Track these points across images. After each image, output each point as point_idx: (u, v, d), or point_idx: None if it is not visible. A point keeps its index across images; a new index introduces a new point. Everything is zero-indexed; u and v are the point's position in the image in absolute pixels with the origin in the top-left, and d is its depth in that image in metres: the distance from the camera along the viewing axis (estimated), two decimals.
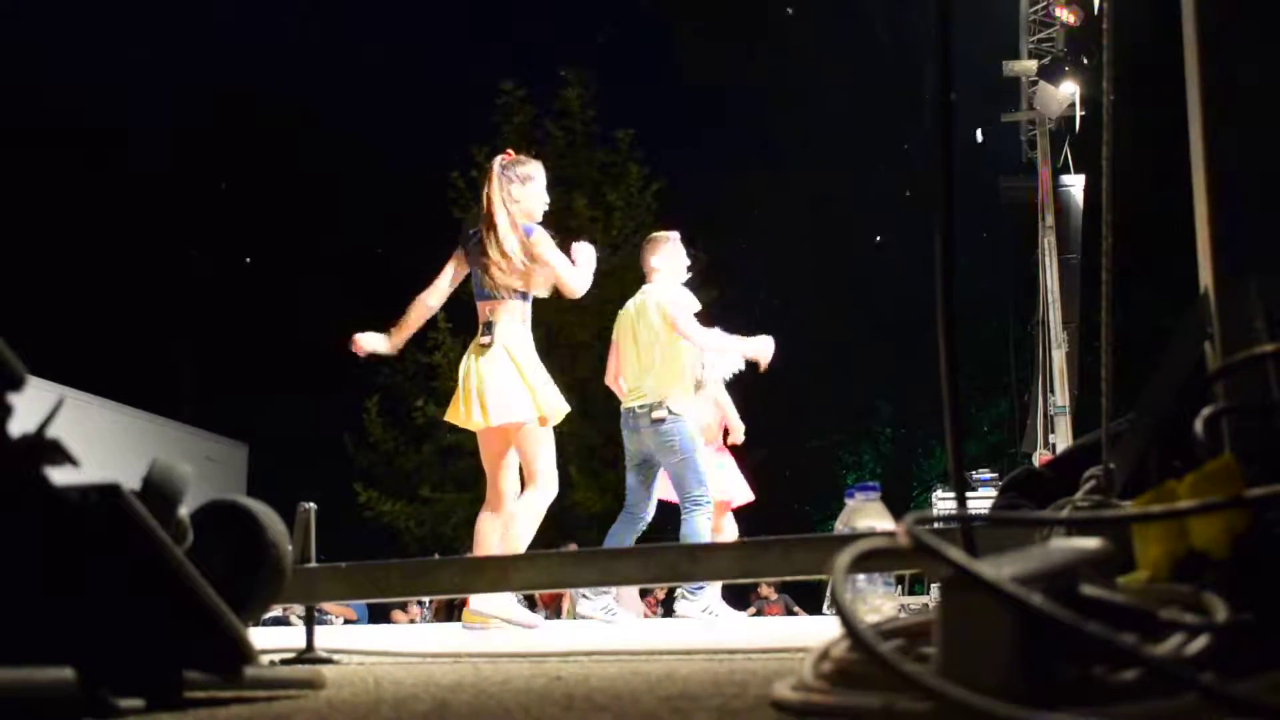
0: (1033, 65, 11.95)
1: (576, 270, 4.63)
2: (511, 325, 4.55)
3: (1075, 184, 12.63)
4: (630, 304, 5.79)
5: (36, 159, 18.15)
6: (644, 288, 5.79)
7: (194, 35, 21.02)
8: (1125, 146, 1.47)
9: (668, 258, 5.79)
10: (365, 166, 19.42)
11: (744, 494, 6.58)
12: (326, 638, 2.53)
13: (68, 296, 17.94)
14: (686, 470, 5.50)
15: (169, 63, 20.76)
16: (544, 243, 4.58)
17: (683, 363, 5.65)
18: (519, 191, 4.64)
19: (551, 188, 4.90)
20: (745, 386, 6.64)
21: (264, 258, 19.52)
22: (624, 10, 21.03)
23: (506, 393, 4.44)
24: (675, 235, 5.90)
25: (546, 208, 4.77)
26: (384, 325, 4.76)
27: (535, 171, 4.72)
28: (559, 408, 4.56)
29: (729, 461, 6.57)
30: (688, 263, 5.89)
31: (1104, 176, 1.42)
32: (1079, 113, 11.70)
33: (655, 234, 6.00)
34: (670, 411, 5.50)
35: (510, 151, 4.82)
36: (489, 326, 4.55)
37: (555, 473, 4.58)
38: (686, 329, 5.58)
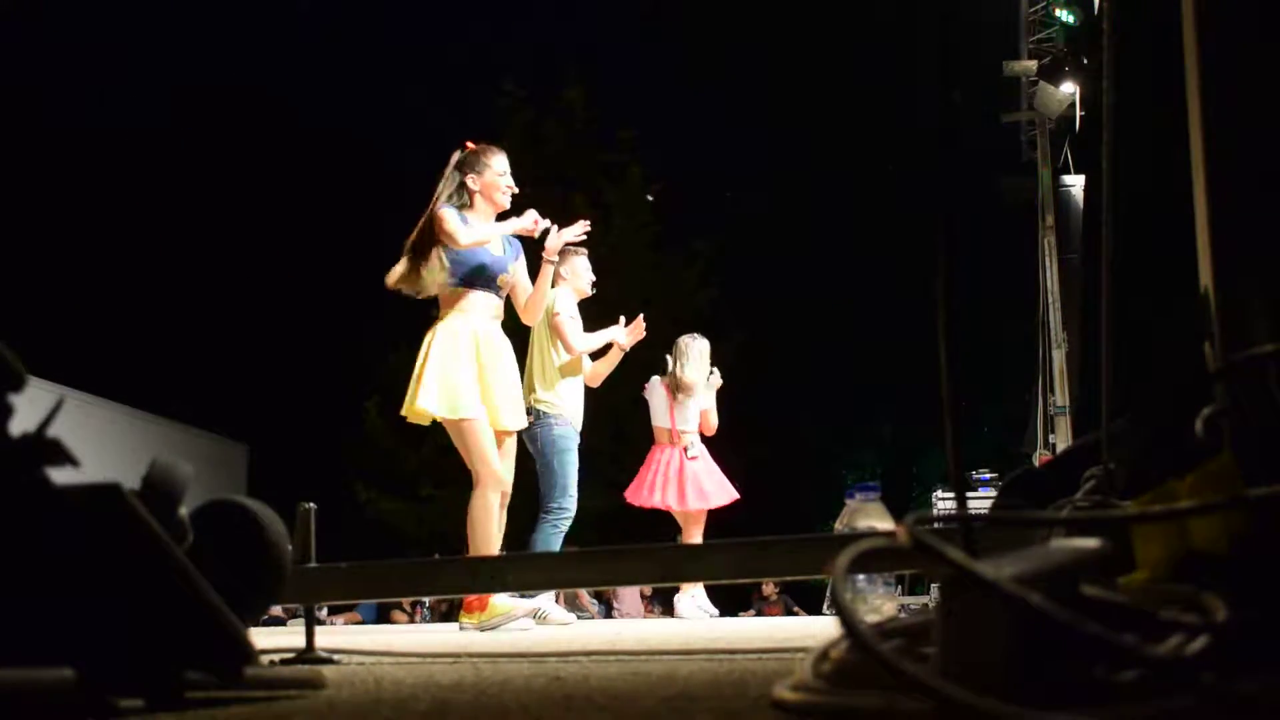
0: (1033, 65, 11.96)
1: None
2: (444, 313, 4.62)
3: (1075, 184, 12.64)
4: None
5: (36, 159, 18.15)
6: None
7: (194, 34, 21.03)
8: (1126, 146, 1.47)
9: (573, 270, 5.86)
10: (365, 166, 19.42)
11: (715, 498, 6.60)
12: (326, 638, 2.53)
13: (68, 296, 17.94)
14: (543, 475, 5.58)
15: (169, 62, 20.77)
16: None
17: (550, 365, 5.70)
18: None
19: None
20: (746, 387, 6.66)
21: (264, 257, 19.51)
22: (624, 10, 21.05)
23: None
24: (584, 251, 5.97)
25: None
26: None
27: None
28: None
29: (700, 467, 6.60)
30: (592, 278, 5.95)
31: (1104, 176, 1.42)
32: (1079, 113, 11.71)
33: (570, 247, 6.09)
34: (540, 414, 5.60)
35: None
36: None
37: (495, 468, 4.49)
38: (566, 338, 5.67)
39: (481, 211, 4.60)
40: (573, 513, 5.56)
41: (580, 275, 5.87)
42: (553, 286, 5.83)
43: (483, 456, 4.44)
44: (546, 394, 5.64)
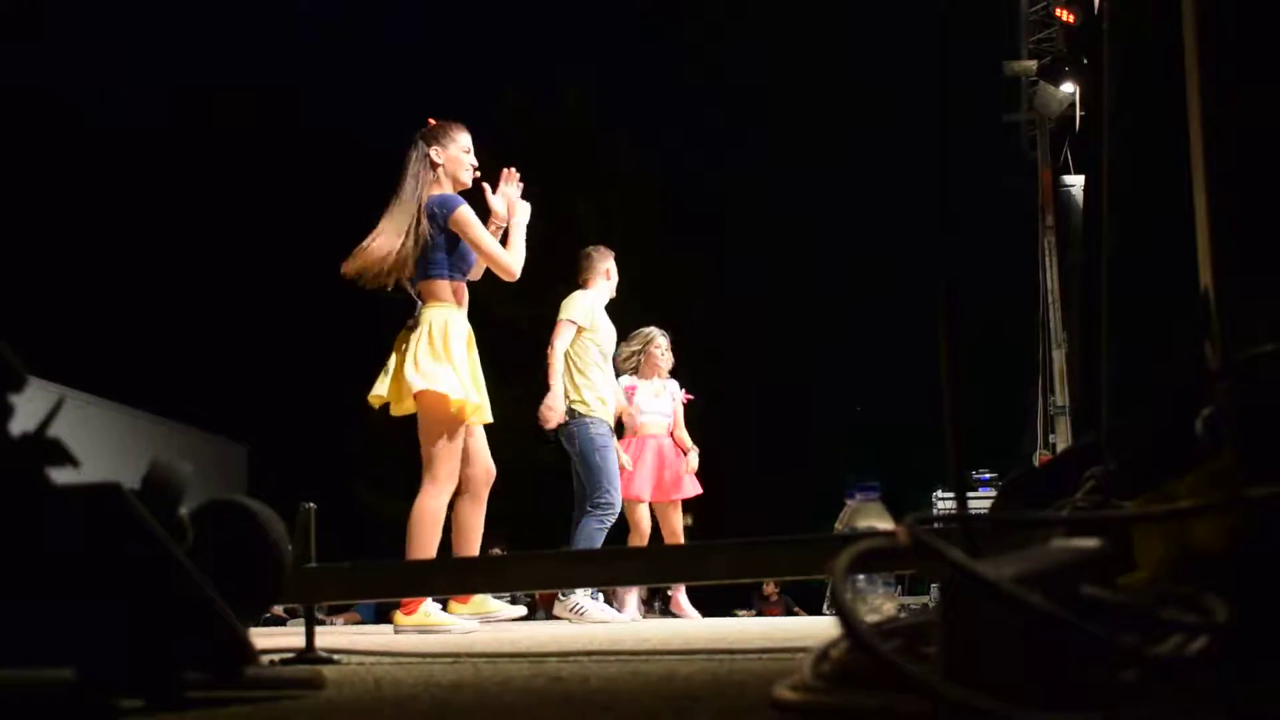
0: (1033, 65, 11.95)
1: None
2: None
3: (1075, 184, 12.64)
4: None
5: (36, 159, 18.15)
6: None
7: (193, 34, 21.04)
8: (1126, 145, 1.47)
9: (612, 271, 5.97)
10: (365, 166, 19.42)
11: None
12: (326, 638, 2.53)
13: (68, 296, 17.94)
14: (584, 473, 5.64)
15: (169, 62, 20.78)
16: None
17: (578, 366, 5.76)
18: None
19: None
20: (745, 386, 6.66)
21: (264, 257, 19.52)
22: (625, 9, 21.05)
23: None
24: (611, 253, 6.07)
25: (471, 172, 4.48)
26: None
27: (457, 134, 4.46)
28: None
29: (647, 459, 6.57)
30: (615, 280, 6.04)
31: (1104, 176, 1.42)
32: (1079, 113, 11.70)
33: (602, 247, 6.10)
34: (575, 414, 5.69)
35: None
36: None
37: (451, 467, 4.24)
38: (554, 340, 5.73)
39: (444, 188, 4.37)
40: (618, 506, 5.61)
41: (614, 275, 5.99)
42: (586, 286, 5.88)
43: (452, 452, 4.19)
44: (578, 395, 5.71)
